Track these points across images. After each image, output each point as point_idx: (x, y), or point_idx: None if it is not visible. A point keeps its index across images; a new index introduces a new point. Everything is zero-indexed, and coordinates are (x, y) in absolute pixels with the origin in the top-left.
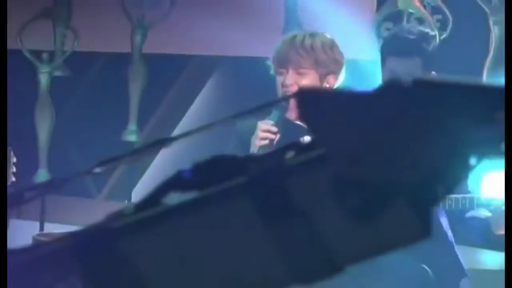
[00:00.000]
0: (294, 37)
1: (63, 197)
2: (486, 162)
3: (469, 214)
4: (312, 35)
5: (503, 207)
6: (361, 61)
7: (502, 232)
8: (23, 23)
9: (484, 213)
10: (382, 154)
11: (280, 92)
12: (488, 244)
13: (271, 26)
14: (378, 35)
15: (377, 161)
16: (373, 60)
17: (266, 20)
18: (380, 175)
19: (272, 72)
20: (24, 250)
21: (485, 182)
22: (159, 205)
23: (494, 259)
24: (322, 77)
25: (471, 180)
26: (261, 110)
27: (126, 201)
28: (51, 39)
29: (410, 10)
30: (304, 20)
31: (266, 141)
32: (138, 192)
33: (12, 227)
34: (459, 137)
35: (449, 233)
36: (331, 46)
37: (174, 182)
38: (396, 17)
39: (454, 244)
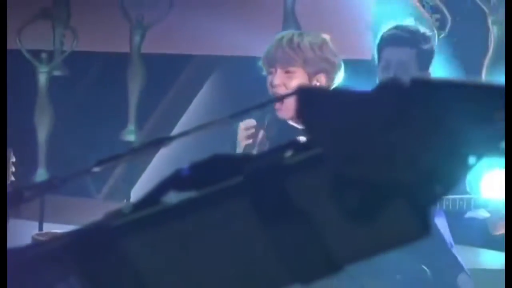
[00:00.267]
0: (282, 37)
1: (62, 197)
2: (484, 162)
3: (467, 215)
4: (301, 34)
5: (501, 208)
6: (360, 61)
7: (500, 232)
8: (22, 23)
9: (482, 213)
10: (380, 153)
11: (270, 92)
12: (487, 244)
13: (270, 26)
14: (377, 35)
15: (375, 161)
16: (372, 60)
17: (265, 20)
18: (378, 175)
19: (264, 73)
20: (23, 249)
21: (482, 182)
22: (157, 204)
23: (493, 259)
24: (311, 76)
25: (469, 180)
26: (258, 109)
27: (125, 201)
28: (50, 39)
29: (409, 10)
30: (303, 20)
31: (249, 141)
32: (137, 192)
33: (11, 227)
34: (458, 136)
35: (448, 233)
36: (321, 45)
37: (172, 181)
38: (395, 17)
39: (453, 244)
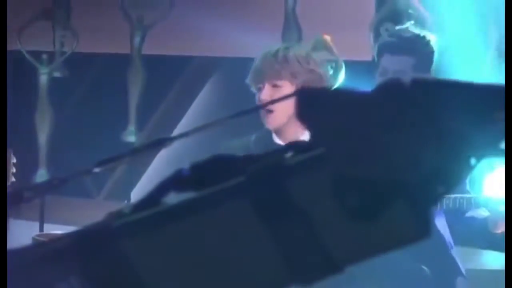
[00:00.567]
0: (268, 52)
1: (62, 198)
2: (484, 162)
3: (467, 214)
4: (286, 48)
5: (500, 207)
6: (360, 62)
7: (500, 231)
8: (23, 24)
9: (482, 213)
10: (381, 154)
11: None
12: (487, 244)
13: (270, 27)
14: (377, 35)
15: (376, 161)
16: (372, 61)
17: (266, 22)
18: (379, 175)
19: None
20: (23, 250)
21: (482, 182)
22: (158, 205)
23: (493, 259)
24: (296, 85)
25: (469, 180)
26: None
27: (126, 202)
28: (51, 40)
29: (409, 11)
30: (304, 21)
31: None
32: (137, 193)
33: (11, 227)
34: (458, 137)
35: (447, 233)
36: (306, 57)
37: (173, 182)
38: (396, 17)
39: (452, 244)
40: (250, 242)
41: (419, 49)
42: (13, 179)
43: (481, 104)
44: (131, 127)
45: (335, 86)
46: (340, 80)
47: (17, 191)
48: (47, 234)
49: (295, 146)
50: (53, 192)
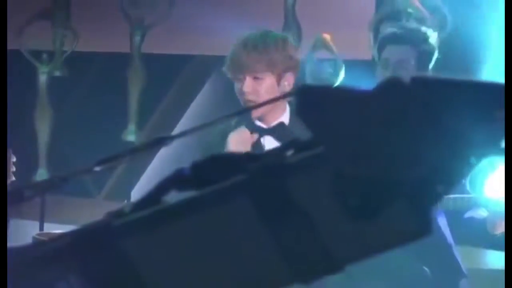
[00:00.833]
0: (246, 41)
1: (63, 197)
2: (484, 162)
3: (467, 214)
4: (263, 35)
5: (499, 207)
6: (359, 61)
7: (499, 231)
8: (23, 23)
9: (481, 213)
10: (381, 152)
11: (240, 99)
12: (486, 244)
13: (270, 26)
14: (377, 35)
15: (376, 160)
16: (372, 61)
17: (266, 20)
18: (379, 174)
19: (230, 77)
20: (24, 249)
21: (482, 182)
22: (158, 204)
23: (493, 259)
24: (280, 77)
25: (469, 180)
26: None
27: (125, 201)
28: (50, 40)
29: (409, 10)
30: (304, 21)
31: (246, 147)
32: (137, 192)
33: (11, 227)
34: (459, 135)
35: (447, 233)
36: (283, 43)
37: (174, 181)
38: (395, 17)
39: (453, 244)
40: (250, 240)
41: (421, 42)
42: (13, 178)
43: (482, 102)
44: (131, 126)
45: (335, 85)
46: (340, 79)
47: (17, 190)
48: (47, 233)
49: (296, 144)
50: (53, 191)
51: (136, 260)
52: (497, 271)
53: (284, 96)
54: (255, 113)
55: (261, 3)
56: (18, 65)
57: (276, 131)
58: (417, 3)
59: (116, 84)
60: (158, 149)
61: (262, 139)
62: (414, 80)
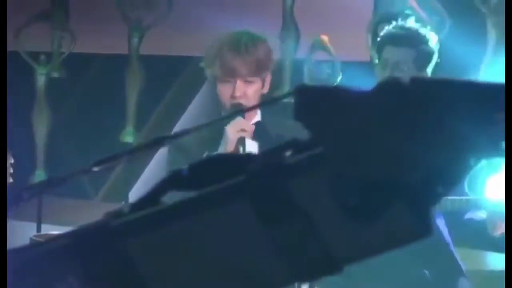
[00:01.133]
0: (233, 42)
1: (60, 198)
2: (483, 164)
3: (466, 215)
4: (248, 36)
5: (499, 208)
6: (357, 63)
7: (499, 233)
8: (21, 25)
9: (480, 214)
10: (381, 153)
11: (226, 101)
12: (486, 245)
13: (269, 27)
14: (375, 36)
15: (375, 160)
16: (369, 62)
17: (264, 22)
18: (378, 174)
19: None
20: (22, 250)
21: (481, 183)
22: (157, 204)
23: (493, 260)
24: (263, 79)
25: (468, 182)
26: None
27: (123, 202)
28: (49, 41)
29: (407, 12)
30: (302, 22)
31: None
32: (135, 194)
33: (9, 228)
34: (458, 136)
35: (447, 235)
36: (265, 44)
37: (172, 182)
38: (393, 18)
39: (452, 245)
40: (249, 241)
41: (421, 43)
42: (11, 179)
43: (481, 103)
44: (129, 128)
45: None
46: (338, 80)
47: (15, 191)
48: (44, 235)
49: (295, 145)
50: (51, 192)
51: (135, 261)
52: (496, 272)
53: (282, 97)
54: (248, 116)
55: (260, 4)
56: (16, 67)
57: (256, 130)
58: (415, 5)
59: (114, 86)
60: (156, 150)
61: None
62: (413, 80)
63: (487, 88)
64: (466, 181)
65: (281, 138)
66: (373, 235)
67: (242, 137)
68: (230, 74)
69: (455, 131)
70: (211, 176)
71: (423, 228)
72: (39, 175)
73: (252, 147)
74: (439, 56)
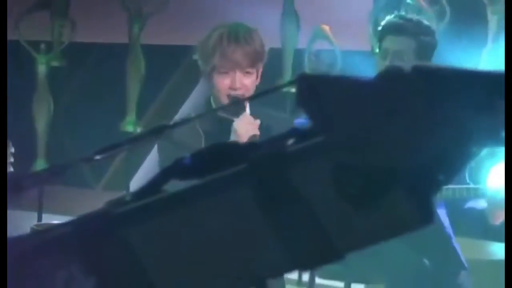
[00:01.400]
0: (237, 34)
1: (61, 188)
2: (484, 152)
3: (467, 205)
4: (244, 28)
5: (499, 198)
6: (358, 52)
7: (499, 222)
8: (21, 13)
9: (481, 203)
10: (382, 141)
11: (224, 92)
12: (486, 234)
13: (269, 16)
14: (376, 25)
15: (377, 148)
16: (370, 51)
17: (265, 10)
18: (379, 162)
19: (201, 66)
20: (24, 238)
21: (482, 172)
22: (159, 193)
23: (493, 250)
24: (258, 70)
25: (468, 170)
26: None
27: (124, 192)
28: (49, 30)
29: (408, 1)
30: (303, 12)
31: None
32: (136, 183)
33: (10, 217)
34: (459, 124)
35: (447, 224)
36: (258, 35)
37: (174, 170)
38: (394, 7)
39: (453, 235)
40: (250, 229)
41: (422, 34)
42: (11, 168)
43: (482, 91)
44: (130, 117)
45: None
46: (339, 69)
47: (16, 179)
48: (45, 224)
49: (296, 133)
50: (52, 181)
51: (136, 248)
52: (496, 261)
53: (284, 86)
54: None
55: None
56: (16, 56)
57: None
58: None
59: (114, 75)
60: (158, 138)
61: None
62: (415, 69)
63: (488, 77)
64: (467, 170)
65: (270, 129)
66: (374, 223)
67: (254, 134)
68: (231, 65)
69: (456, 119)
70: (213, 164)
71: (424, 216)
72: (40, 164)
73: None
74: (439, 46)
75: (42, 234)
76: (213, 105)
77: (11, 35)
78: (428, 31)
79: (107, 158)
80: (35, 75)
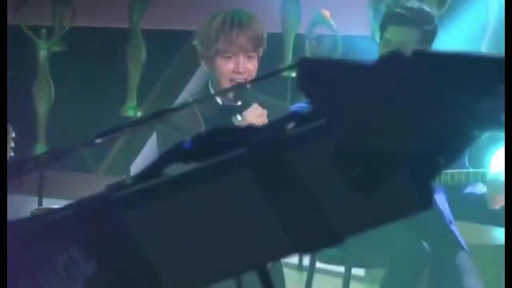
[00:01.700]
0: (239, 18)
1: (61, 172)
2: (484, 136)
3: (466, 189)
4: (245, 13)
5: (498, 182)
6: (359, 37)
7: (498, 206)
8: None
9: (480, 187)
10: (383, 124)
11: (227, 77)
12: (485, 219)
13: (270, 2)
14: (377, 11)
15: (377, 132)
16: (370, 36)
17: None
18: (380, 146)
19: (200, 50)
20: (24, 222)
21: (481, 157)
22: (159, 176)
23: (493, 234)
24: (259, 54)
25: (468, 155)
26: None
27: (125, 176)
28: (50, 15)
29: None
30: None
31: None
32: (136, 167)
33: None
34: (460, 108)
35: (447, 210)
36: (258, 21)
37: (175, 153)
38: None
39: (453, 220)
40: (251, 212)
41: (425, 23)
42: (11, 153)
43: (483, 75)
44: (131, 102)
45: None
46: (339, 54)
47: (18, 162)
48: (45, 209)
49: (298, 116)
50: (53, 165)
51: (137, 232)
52: (496, 246)
53: (285, 69)
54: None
55: None
56: (17, 40)
57: (245, 108)
58: None
59: (115, 59)
60: (157, 123)
61: (233, 118)
62: (416, 53)
63: (489, 61)
64: (467, 154)
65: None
66: (374, 207)
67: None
68: (235, 50)
69: (457, 103)
70: (214, 148)
71: (423, 200)
72: (40, 149)
73: None
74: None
75: (42, 217)
76: (212, 91)
77: (12, 20)
78: (430, 19)
79: (107, 141)
80: (36, 60)
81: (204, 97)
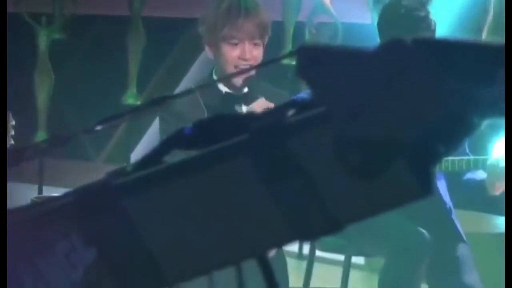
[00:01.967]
0: (246, 5)
1: (62, 160)
2: (485, 123)
3: (466, 176)
4: (254, 1)
5: (499, 168)
6: (359, 25)
7: (498, 193)
8: None
9: (480, 174)
10: (383, 112)
11: (232, 63)
12: (486, 207)
13: None
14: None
15: (377, 119)
16: (370, 24)
17: None
18: (380, 133)
19: (204, 36)
20: (24, 210)
21: (481, 144)
22: (160, 163)
23: (492, 223)
24: (264, 41)
25: (468, 142)
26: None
27: (125, 164)
28: (50, 2)
29: None
30: None
31: None
32: (137, 155)
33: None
34: (460, 95)
35: (447, 197)
36: (263, 8)
37: (176, 140)
38: None
39: (452, 208)
40: (251, 200)
41: (424, 30)
42: (12, 141)
43: (483, 63)
44: (132, 89)
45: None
46: (339, 42)
47: (18, 150)
48: (46, 197)
49: (298, 104)
50: (53, 154)
51: (137, 219)
52: (496, 235)
53: (285, 56)
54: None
55: None
56: (18, 28)
57: (248, 97)
58: None
59: (116, 47)
60: (158, 111)
61: (237, 106)
62: (416, 40)
63: (488, 48)
64: (467, 142)
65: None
66: (374, 194)
67: None
68: (242, 36)
69: (457, 90)
70: (214, 135)
71: (423, 187)
72: (41, 137)
73: None
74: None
75: (43, 205)
76: (214, 77)
77: (12, 8)
78: (428, 21)
79: (108, 128)
80: (36, 47)
81: (207, 84)
